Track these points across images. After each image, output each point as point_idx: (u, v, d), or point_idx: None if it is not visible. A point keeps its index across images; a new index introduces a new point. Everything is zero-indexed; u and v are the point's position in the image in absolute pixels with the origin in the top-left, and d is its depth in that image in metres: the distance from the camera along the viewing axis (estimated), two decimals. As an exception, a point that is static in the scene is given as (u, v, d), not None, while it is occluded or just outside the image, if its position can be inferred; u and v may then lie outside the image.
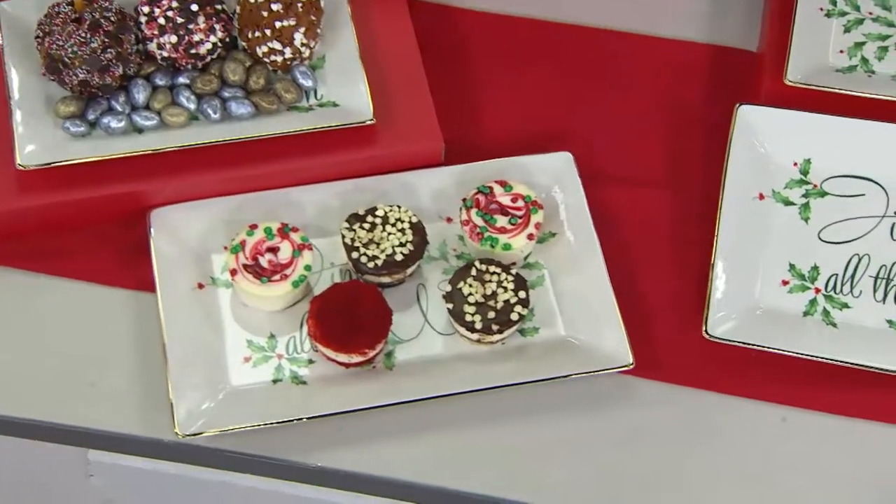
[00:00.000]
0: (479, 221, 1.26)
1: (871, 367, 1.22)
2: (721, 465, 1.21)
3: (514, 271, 1.23)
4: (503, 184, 1.28)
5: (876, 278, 1.28)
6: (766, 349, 1.23)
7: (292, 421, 1.16)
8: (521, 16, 1.44)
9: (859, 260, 1.29)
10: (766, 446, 1.22)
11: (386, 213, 1.24)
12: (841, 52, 1.38)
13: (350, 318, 1.18)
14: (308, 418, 1.17)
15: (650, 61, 1.42)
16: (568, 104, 1.39)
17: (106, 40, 1.21)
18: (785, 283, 1.28)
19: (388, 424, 1.20)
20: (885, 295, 1.27)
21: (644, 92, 1.40)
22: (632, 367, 1.21)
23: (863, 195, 1.31)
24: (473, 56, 1.41)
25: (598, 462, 1.20)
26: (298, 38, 1.27)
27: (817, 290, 1.28)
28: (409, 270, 1.25)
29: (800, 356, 1.23)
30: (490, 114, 1.37)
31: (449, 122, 1.32)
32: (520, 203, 1.27)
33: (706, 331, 1.23)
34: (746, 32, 1.43)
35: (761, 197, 1.32)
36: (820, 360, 1.23)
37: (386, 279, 1.24)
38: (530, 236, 1.26)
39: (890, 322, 1.26)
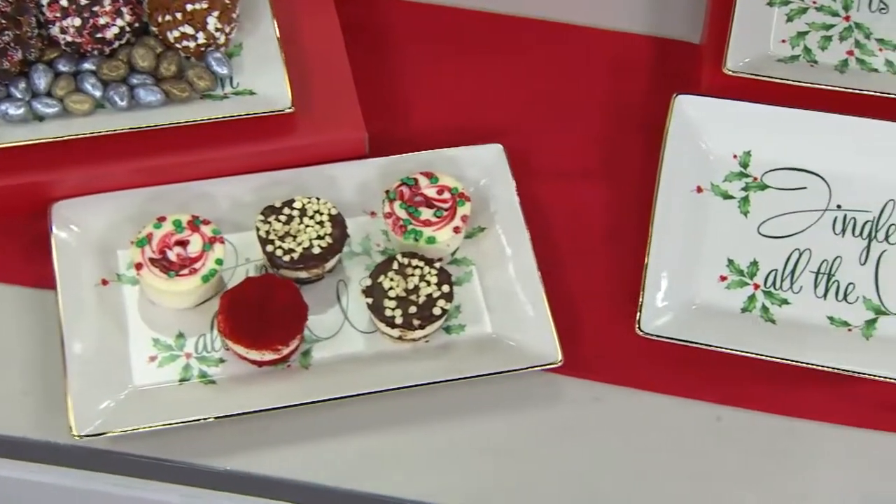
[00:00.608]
0: (402, 214, 1.21)
1: (811, 365, 1.17)
2: (652, 465, 1.16)
3: (437, 265, 1.18)
4: (429, 175, 1.22)
5: (817, 274, 1.23)
6: (701, 346, 1.18)
7: (198, 421, 1.11)
8: (456, 6, 1.39)
9: (800, 255, 1.24)
10: (700, 447, 1.17)
11: (304, 205, 1.19)
12: (783, 41, 1.34)
13: (262, 313, 1.13)
14: (215, 418, 1.11)
15: (590, 53, 1.38)
16: (502, 96, 1.34)
17: (2, 22, 1.15)
18: (723, 278, 1.23)
19: (304, 426, 1.14)
20: (826, 291, 1.22)
21: (583, 84, 1.35)
22: (560, 364, 1.16)
23: (804, 188, 1.27)
24: (404, 46, 1.36)
25: (526, 463, 1.15)
26: (212, 22, 1.21)
27: (756, 286, 1.23)
28: (329, 265, 1.19)
29: (737, 353, 1.18)
30: (420, 105, 1.32)
31: (375, 113, 1.27)
32: (446, 195, 1.22)
33: (639, 327, 1.18)
34: (691, 24, 1.39)
35: (699, 190, 1.27)
36: (758, 357, 1.18)
37: (303, 274, 1.19)
38: (456, 229, 1.21)
39: (831, 318, 1.21)
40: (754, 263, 1.24)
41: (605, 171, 1.30)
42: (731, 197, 1.27)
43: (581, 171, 1.30)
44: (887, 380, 1.16)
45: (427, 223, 1.21)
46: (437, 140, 1.28)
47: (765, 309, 1.22)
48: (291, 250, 1.17)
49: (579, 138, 1.32)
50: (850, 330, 1.21)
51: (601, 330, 1.21)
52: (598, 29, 1.39)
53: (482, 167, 1.25)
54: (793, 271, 1.24)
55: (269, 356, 1.13)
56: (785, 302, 1.22)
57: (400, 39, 1.36)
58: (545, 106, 1.34)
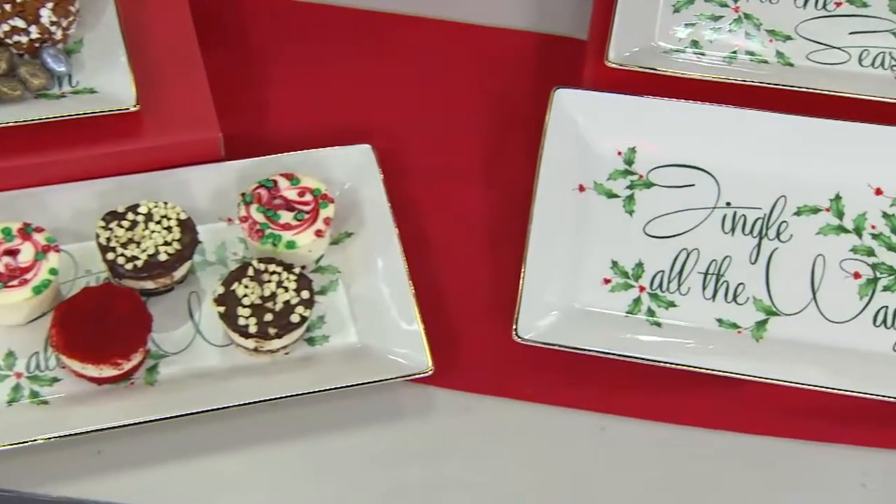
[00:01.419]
0: (259, 218, 1.12)
1: (698, 369, 1.10)
2: (531, 479, 1.08)
3: (297, 270, 1.09)
4: (289, 177, 1.14)
5: (705, 274, 1.16)
6: (581, 352, 1.10)
7: (25, 444, 1.00)
8: (325, 3, 1.31)
9: (688, 255, 1.16)
10: (583, 458, 1.09)
11: (150, 209, 1.10)
12: (670, 33, 1.27)
13: (100, 325, 1.04)
14: (45, 440, 1.01)
15: (471, 51, 1.31)
16: (374, 96, 1.27)
17: None
18: (607, 281, 1.16)
19: (148, 448, 1.05)
20: (715, 292, 1.15)
21: (463, 83, 1.28)
22: (429, 373, 1.08)
23: (692, 186, 1.20)
24: (267, 43, 1.28)
25: (396, 479, 1.08)
26: (46, 15, 1.12)
27: (642, 289, 1.15)
28: (178, 274, 1.10)
29: (620, 359, 1.10)
30: (283, 106, 1.25)
31: (232, 113, 1.20)
32: (308, 197, 1.14)
33: (516, 333, 1.10)
34: (578, 20, 1.31)
35: (581, 189, 1.19)
36: (642, 362, 1.10)
37: (149, 284, 1.09)
38: (318, 233, 1.12)
39: (720, 320, 1.14)
40: (640, 265, 1.16)
41: (486, 172, 1.23)
42: (616, 196, 1.19)
43: (460, 172, 1.23)
44: (778, 382, 1.09)
45: (286, 227, 1.12)
46: (301, 142, 1.20)
47: (650, 312, 1.15)
48: (135, 258, 1.08)
49: (458, 138, 1.25)
50: (739, 332, 1.14)
51: (478, 338, 1.14)
52: (481, 26, 1.32)
53: (349, 169, 1.18)
54: (680, 272, 1.16)
55: (108, 372, 1.04)
56: (672, 304, 1.15)
57: (263, 36, 1.28)
58: (422, 105, 1.27)
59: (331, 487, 1.07)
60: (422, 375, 1.09)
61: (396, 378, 1.08)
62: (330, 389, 1.07)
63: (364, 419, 1.10)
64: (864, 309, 1.14)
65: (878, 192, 1.18)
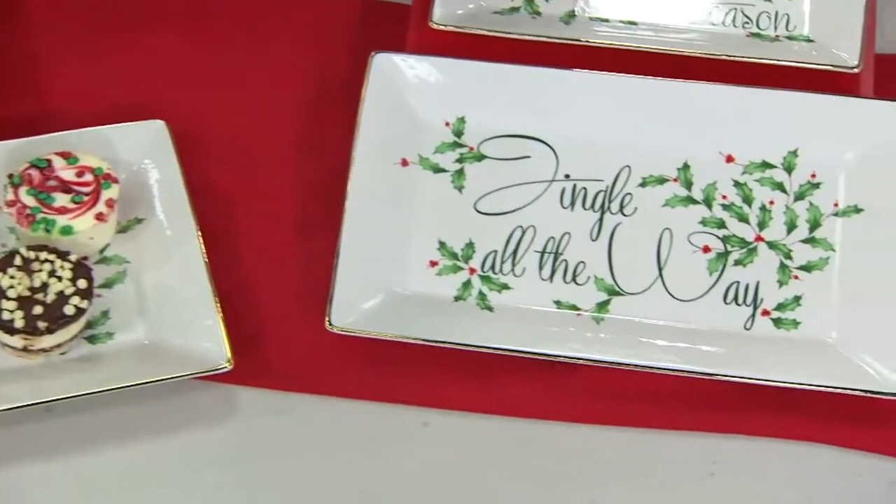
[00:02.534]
0: (30, 202, 1.00)
1: (533, 356, 1.00)
2: (347, 482, 0.97)
3: (73, 258, 0.96)
4: (66, 155, 1.02)
5: (542, 253, 1.05)
6: (401, 340, 0.99)
7: None
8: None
9: (523, 233, 1.05)
10: (406, 457, 0.99)
11: None
12: (502, -8, 1.16)
13: None
14: None
15: (283, 19, 1.18)
16: (173, 72, 1.15)
17: None
18: (433, 263, 1.05)
19: None
20: (553, 272, 1.04)
21: (275, 55, 1.16)
22: (229, 369, 0.98)
23: (528, 157, 1.09)
24: (45, 16, 1.15)
25: (200, 488, 0.96)
26: None
27: (472, 271, 1.04)
28: (-65, 269, 0.96)
29: (446, 347, 0.99)
30: (68, 85, 1.12)
31: (7, 95, 1.08)
32: (88, 177, 1.01)
33: (329, 322, 0.98)
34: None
35: (405, 163, 1.08)
36: (469, 349, 1.00)
37: None
38: (100, 216, 1.00)
39: (558, 302, 1.04)
40: (470, 245, 1.05)
41: (300, 151, 1.12)
42: (444, 170, 1.08)
43: (271, 151, 1.12)
44: (619, 367, 0.98)
45: (62, 210, 1.00)
46: (87, 122, 1.08)
47: (482, 296, 1.03)
48: None
49: (270, 115, 1.13)
50: (579, 314, 1.03)
51: (290, 331, 1.03)
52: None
53: (140, 148, 1.06)
54: (514, 252, 1.05)
55: None
56: (505, 287, 1.04)
57: (43, 10, 1.14)
58: (228, 81, 1.15)
59: (122, 501, 0.95)
60: (221, 372, 0.98)
61: (191, 375, 0.97)
62: (112, 390, 0.95)
63: (160, 425, 0.98)
64: (714, 285, 1.04)
65: (730, 159, 1.08)
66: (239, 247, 1.06)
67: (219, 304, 0.99)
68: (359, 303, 1.01)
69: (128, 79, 1.13)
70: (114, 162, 1.04)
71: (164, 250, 1.03)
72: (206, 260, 1.01)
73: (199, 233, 1.02)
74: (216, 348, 0.98)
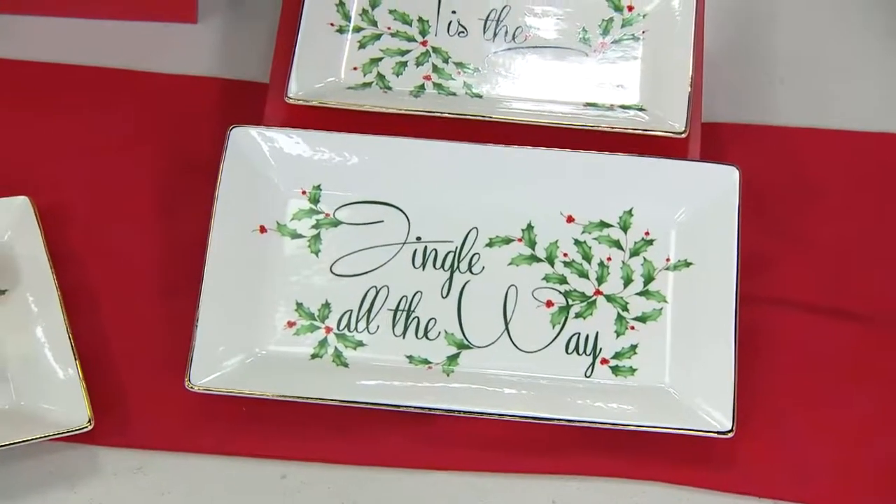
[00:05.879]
0: None
1: (386, 407, 1.04)
2: None
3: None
4: (-73, 228, 1.04)
5: (395, 311, 1.09)
6: (261, 397, 1.03)
7: None
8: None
9: (377, 292, 1.10)
10: None
11: None
12: (355, 68, 1.22)
13: None
14: None
15: (147, 99, 1.22)
16: (36, 150, 1.17)
17: None
18: (291, 324, 1.09)
19: None
20: (406, 328, 1.09)
21: (138, 131, 1.19)
22: (88, 429, 1.00)
23: (381, 222, 1.13)
24: None
25: None
26: None
27: (328, 330, 1.09)
28: None
29: (302, 401, 1.03)
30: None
31: None
32: (-50, 249, 1.03)
33: (189, 381, 1.02)
34: (266, 65, 1.24)
35: (263, 230, 1.12)
36: (324, 403, 1.04)
37: None
38: (-38, 287, 1.02)
39: (410, 357, 1.08)
40: (326, 305, 1.09)
41: (161, 222, 1.15)
42: (301, 236, 1.13)
43: (133, 223, 1.15)
44: (467, 415, 1.03)
45: (-76, 281, 1.02)
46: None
47: (337, 353, 1.08)
48: None
49: (132, 190, 1.16)
50: (430, 367, 1.07)
51: (152, 392, 1.06)
52: (158, 73, 1.24)
53: (4, 223, 1.09)
54: (369, 310, 1.10)
55: None
56: (360, 344, 1.08)
57: None
58: (91, 158, 1.18)
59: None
60: (82, 432, 0.99)
61: (50, 437, 0.98)
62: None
63: (21, 486, 1.00)
64: (556, 337, 1.09)
65: (570, 219, 1.14)
66: (103, 312, 1.09)
67: (80, 367, 1.02)
68: (218, 362, 1.05)
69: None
70: (-25, 237, 1.07)
71: (27, 320, 1.06)
72: (69, 327, 1.04)
73: (62, 302, 1.05)
74: (77, 409, 1.00)
